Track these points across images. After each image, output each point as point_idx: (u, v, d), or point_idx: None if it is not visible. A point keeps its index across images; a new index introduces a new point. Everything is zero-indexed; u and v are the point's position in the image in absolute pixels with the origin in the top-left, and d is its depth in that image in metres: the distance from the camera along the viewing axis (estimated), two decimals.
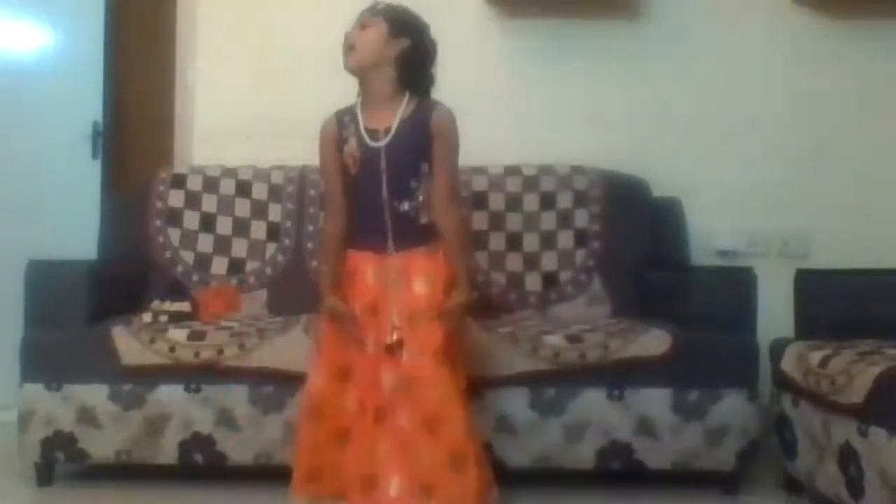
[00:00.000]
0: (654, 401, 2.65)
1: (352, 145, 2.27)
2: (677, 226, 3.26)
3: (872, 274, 2.83)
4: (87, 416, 2.68)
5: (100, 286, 2.86)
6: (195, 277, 3.16)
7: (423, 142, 2.26)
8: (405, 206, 2.26)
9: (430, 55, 2.33)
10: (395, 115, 2.25)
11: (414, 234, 2.26)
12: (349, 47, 2.26)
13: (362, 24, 2.27)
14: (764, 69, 3.47)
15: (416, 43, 2.28)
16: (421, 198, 2.27)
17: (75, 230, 3.39)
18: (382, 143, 2.24)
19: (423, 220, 2.28)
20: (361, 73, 2.27)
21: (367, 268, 2.27)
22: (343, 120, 2.31)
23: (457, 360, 2.26)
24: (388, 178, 2.25)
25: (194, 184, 3.27)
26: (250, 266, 3.19)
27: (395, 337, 2.18)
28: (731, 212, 3.43)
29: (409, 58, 2.27)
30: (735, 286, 2.76)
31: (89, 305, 2.78)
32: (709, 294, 2.76)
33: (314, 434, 2.27)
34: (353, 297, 2.28)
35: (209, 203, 3.25)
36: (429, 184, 2.28)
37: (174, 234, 3.21)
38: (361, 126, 2.27)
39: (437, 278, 2.24)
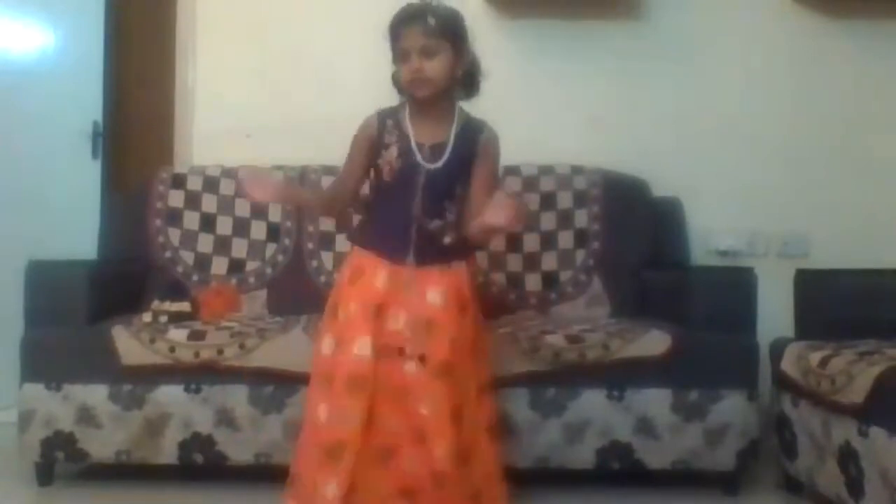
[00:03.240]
0: (654, 401, 2.65)
1: (392, 153, 2.21)
2: (677, 226, 3.26)
3: (872, 274, 2.83)
4: (87, 416, 2.68)
5: (100, 286, 2.86)
6: (195, 277, 3.16)
7: (467, 165, 2.22)
8: (434, 224, 2.22)
9: (479, 61, 2.29)
10: (448, 133, 2.22)
11: (436, 251, 2.22)
12: (421, 80, 2.17)
13: (426, 51, 2.16)
14: (764, 69, 3.47)
15: (473, 54, 2.26)
16: (450, 217, 2.23)
17: (75, 230, 3.39)
18: (430, 164, 2.20)
19: (448, 239, 2.23)
20: (430, 98, 2.21)
21: (378, 271, 2.21)
22: (386, 123, 2.24)
23: (476, 367, 2.23)
24: (424, 195, 2.20)
25: (194, 184, 3.27)
26: (250, 266, 3.19)
27: (408, 349, 2.13)
28: (731, 212, 3.43)
29: (471, 73, 2.25)
30: (735, 286, 2.75)
31: (89, 305, 2.78)
32: (709, 294, 2.76)
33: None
34: (352, 295, 2.21)
35: (209, 203, 3.25)
36: (463, 202, 2.23)
37: (174, 234, 3.21)
38: (412, 139, 2.21)
39: (450, 294, 2.19)
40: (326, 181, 3.12)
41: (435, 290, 2.18)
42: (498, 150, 2.29)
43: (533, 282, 3.17)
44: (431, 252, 2.21)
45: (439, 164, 2.20)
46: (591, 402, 2.65)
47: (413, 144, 2.21)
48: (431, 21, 2.17)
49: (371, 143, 2.25)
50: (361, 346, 2.13)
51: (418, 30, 2.16)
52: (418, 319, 2.15)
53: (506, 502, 2.26)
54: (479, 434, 2.21)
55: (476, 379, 2.24)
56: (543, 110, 3.47)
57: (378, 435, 2.11)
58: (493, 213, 2.06)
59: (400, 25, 2.19)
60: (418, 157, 2.20)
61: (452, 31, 2.21)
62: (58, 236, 3.42)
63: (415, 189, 2.20)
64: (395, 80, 2.25)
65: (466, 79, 2.25)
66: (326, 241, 3.20)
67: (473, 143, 2.23)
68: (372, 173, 2.30)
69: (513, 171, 3.29)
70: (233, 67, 3.52)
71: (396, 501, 2.11)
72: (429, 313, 2.16)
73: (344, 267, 2.32)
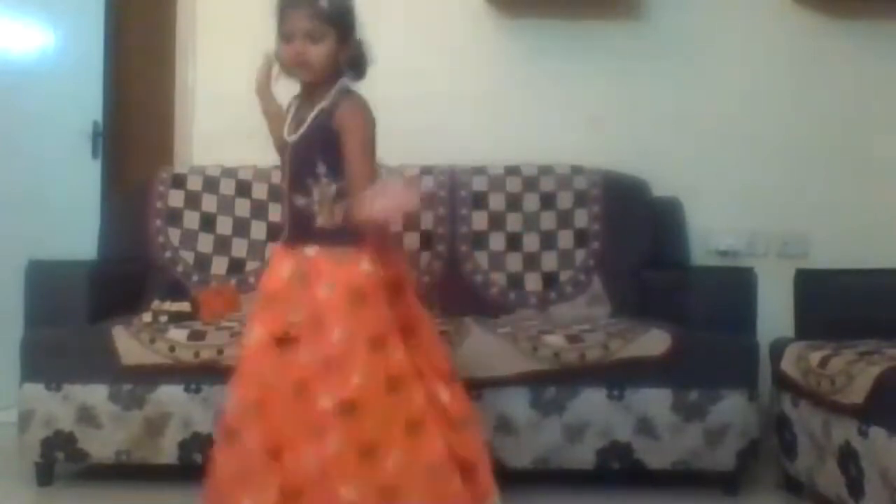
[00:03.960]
0: (654, 401, 2.65)
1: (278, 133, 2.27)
2: (677, 226, 3.26)
3: (872, 274, 2.83)
4: (87, 416, 2.68)
5: (100, 286, 2.87)
6: (195, 277, 3.16)
7: (325, 142, 2.16)
8: (300, 201, 2.19)
9: (365, 46, 2.23)
10: (316, 109, 2.19)
11: (311, 233, 2.17)
12: (302, 63, 2.15)
13: (311, 34, 2.13)
14: (764, 69, 3.47)
15: (360, 42, 2.21)
16: (317, 197, 2.17)
17: (75, 230, 3.39)
18: (291, 138, 2.20)
19: (321, 221, 2.18)
20: (314, 83, 2.20)
21: (282, 259, 2.21)
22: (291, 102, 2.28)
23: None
24: (290, 171, 2.21)
25: (194, 184, 3.27)
26: (250, 266, 3.19)
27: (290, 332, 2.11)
28: (731, 212, 3.43)
29: (357, 60, 2.21)
30: (735, 286, 2.76)
31: (89, 305, 2.79)
32: (709, 294, 2.76)
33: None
34: (262, 284, 2.25)
35: (209, 203, 3.25)
36: (340, 184, 2.17)
37: (174, 234, 3.21)
38: (289, 117, 2.23)
39: (339, 287, 2.12)
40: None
41: (325, 283, 2.13)
42: (358, 123, 2.16)
43: (533, 282, 3.17)
44: (305, 233, 2.18)
45: (295, 136, 2.19)
46: (591, 402, 2.65)
47: (288, 121, 2.22)
48: (321, 5, 2.14)
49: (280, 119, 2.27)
50: (253, 336, 2.17)
51: (305, 13, 2.14)
52: (309, 314, 2.11)
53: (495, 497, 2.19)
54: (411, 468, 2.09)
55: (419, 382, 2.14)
56: (543, 110, 3.47)
57: (270, 432, 2.09)
58: (365, 204, 2.03)
59: (287, 6, 2.16)
60: (285, 133, 2.21)
61: (340, 18, 2.18)
62: (58, 236, 3.42)
63: (285, 165, 2.23)
64: (277, 59, 2.23)
65: (351, 64, 2.20)
66: None
67: (330, 118, 2.16)
68: None
69: (513, 171, 3.30)
70: (233, 67, 3.50)
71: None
72: (317, 307, 2.11)
73: None
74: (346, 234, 2.16)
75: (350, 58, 2.19)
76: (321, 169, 2.18)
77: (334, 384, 2.05)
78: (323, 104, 2.17)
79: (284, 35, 2.16)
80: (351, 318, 2.10)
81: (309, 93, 2.22)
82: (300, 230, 2.20)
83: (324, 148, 2.17)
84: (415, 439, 2.08)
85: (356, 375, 2.06)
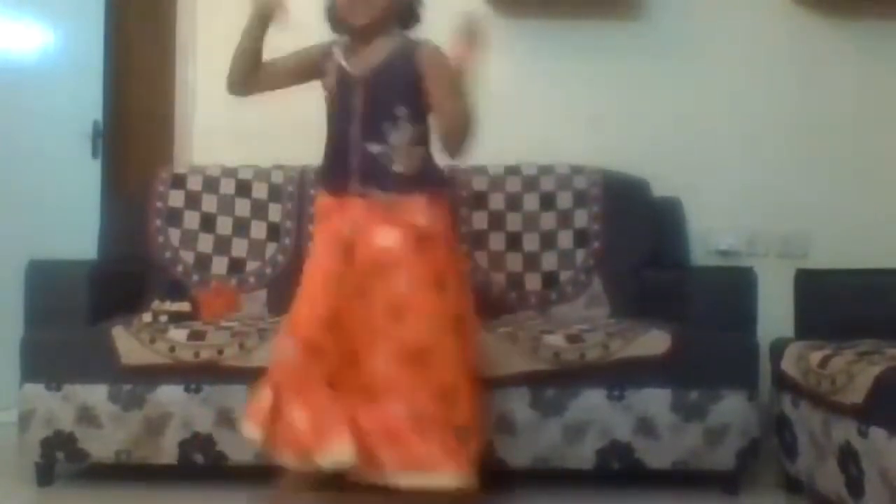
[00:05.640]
0: (654, 401, 2.65)
1: (331, 80, 2.20)
2: (677, 226, 3.26)
3: (872, 274, 2.83)
4: (87, 416, 2.68)
5: (100, 286, 2.87)
6: (195, 277, 3.16)
7: (407, 84, 2.14)
8: (375, 148, 2.14)
9: None
10: (381, 52, 2.15)
11: (384, 180, 2.14)
12: (362, 4, 2.12)
13: None
14: (764, 69, 3.47)
15: None
16: (395, 141, 2.14)
17: (75, 230, 3.39)
18: (360, 76, 2.14)
19: (398, 167, 2.15)
20: (369, 27, 2.16)
21: (338, 211, 2.19)
22: (331, 50, 2.22)
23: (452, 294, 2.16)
24: (363, 118, 2.15)
25: (194, 184, 3.27)
26: (250, 266, 3.19)
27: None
28: (731, 212, 3.43)
29: (411, 3, 2.19)
30: (735, 286, 2.76)
31: (89, 305, 2.79)
32: (709, 294, 2.76)
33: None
34: (317, 239, 2.23)
35: (209, 203, 3.25)
36: (412, 127, 2.15)
37: (174, 234, 3.21)
38: (345, 64, 2.18)
39: (406, 232, 2.11)
40: None
41: (387, 229, 2.12)
42: (445, 60, 2.15)
43: (533, 282, 3.17)
44: (378, 181, 2.14)
45: (367, 72, 2.14)
46: (591, 402, 2.65)
47: (346, 67, 2.18)
48: None
49: (312, 62, 2.23)
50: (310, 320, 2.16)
51: None
52: (372, 262, 2.11)
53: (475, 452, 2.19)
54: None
55: (451, 318, 2.17)
56: (543, 110, 3.47)
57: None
58: (452, 48, 2.05)
59: None
60: (351, 75, 2.16)
61: None
62: (58, 236, 3.41)
63: (353, 112, 2.15)
64: (330, 9, 2.19)
65: (405, 10, 2.18)
66: None
67: (410, 60, 2.14)
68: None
69: (513, 171, 3.29)
70: None
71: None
72: (379, 255, 2.11)
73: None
74: (425, 180, 2.14)
75: (405, 7, 2.17)
76: (401, 111, 2.13)
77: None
78: (390, 49, 2.12)
79: None
80: (416, 263, 2.10)
81: (363, 39, 2.15)
82: (374, 179, 2.14)
83: (405, 89, 2.12)
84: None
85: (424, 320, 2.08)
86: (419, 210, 2.14)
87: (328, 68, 2.21)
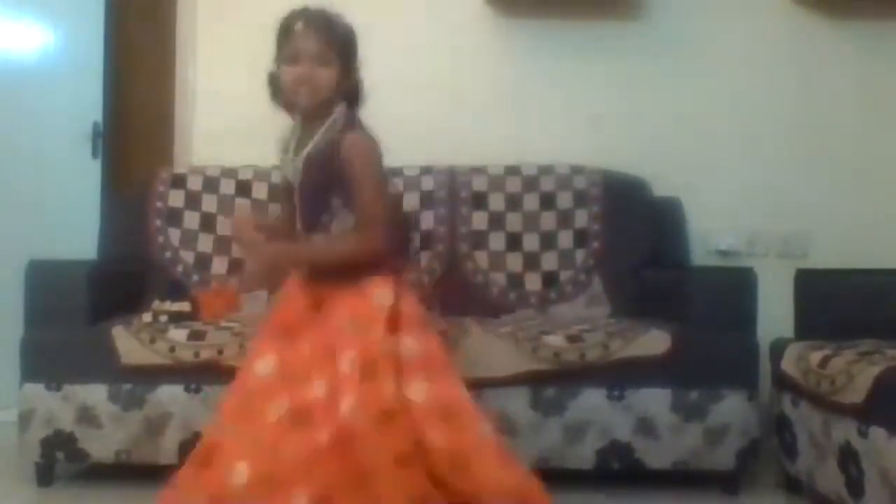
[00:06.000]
0: (654, 401, 2.65)
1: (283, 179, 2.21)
2: (677, 226, 3.26)
3: (872, 274, 2.83)
4: (87, 416, 2.68)
5: (100, 286, 2.87)
6: (195, 277, 3.16)
7: (335, 175, 2.09)
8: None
9: (362, 81, 2.18)
10: (313, 143, 2.11)
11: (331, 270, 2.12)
12: (309, 84, 2.07)
13: (321, 58, 2.06)
14: (764, 69, 3.47)
15: (359, 70, 2.16)
16: (336, 231, 2.13)
17: (75, 230, 3.39)
18: (294, 172, 2.13)
19: None
20: (312, 109, 2.13)
21: (297, 292, 2.15)
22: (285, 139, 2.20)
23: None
24: (301, 211, 2.15)
25: (194, 184, 3.27)
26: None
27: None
28: (731, 212, 3.43)
29: (355, 87, 2.15)
30: (735, 286, 2.76)
31: (89, 305, 2.79)
32: (709, 294, 2.76)
33: None
34: (270, 316, 2.19)
35: (209, 203, 3.25)
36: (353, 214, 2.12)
37: (174, 234, 3.21)
38: (289, 152, 2.15)
39: (357, 314, 2.05)
40: None
41: (340, 313, 2.06)
42: (361, 157, 2.08)
43: (533, 281, 3.17)
44: (323, 270, 2.12)
45: (303, 171, 2.12)
46: (591, 402, 2.65)
47: (289, 158, 2.15)
48: (334, 30, 2.09)
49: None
50: (264, 365, 2.09)
51: (316, 36, 2.07)
52: (325, 345, 2.04)
53: None
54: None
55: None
56: (543, 110, 3.47)
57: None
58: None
59: (296, 26, 2.08)
60: (289, 173, 2.15)
61: (347, 48, 2.13)
62: (58, 236, 3.42)
63: (294, 205, 2.17)
64: (273, 82, 2.15)
65: (351, 91, 2.15)
66: None
67: (336, 151, 2.09)
68: None
69: (513, 171, 3.29)
70: (233, 66, 3.51)
71: None
72: (332, 338, 2.04)
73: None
74: (371, 263, 2.09)
75: (351, 88, 2.14)
76: (336, 202, 2.12)
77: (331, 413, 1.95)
78: (321, 137, 2.10)
79: (289, 56, 2.08)
80: (364, 344, 2.00)
81: (307, 119, 2.15)
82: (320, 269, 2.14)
83: (336, 181, 2.10)
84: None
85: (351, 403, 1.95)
86: (367, 294, 2.08)
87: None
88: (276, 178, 3.27)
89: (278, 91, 2.14)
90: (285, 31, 2.10)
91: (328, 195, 2.12)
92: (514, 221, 3.22)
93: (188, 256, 3.19)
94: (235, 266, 3.19)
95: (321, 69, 2.07)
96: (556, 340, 2.65)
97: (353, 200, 2.09)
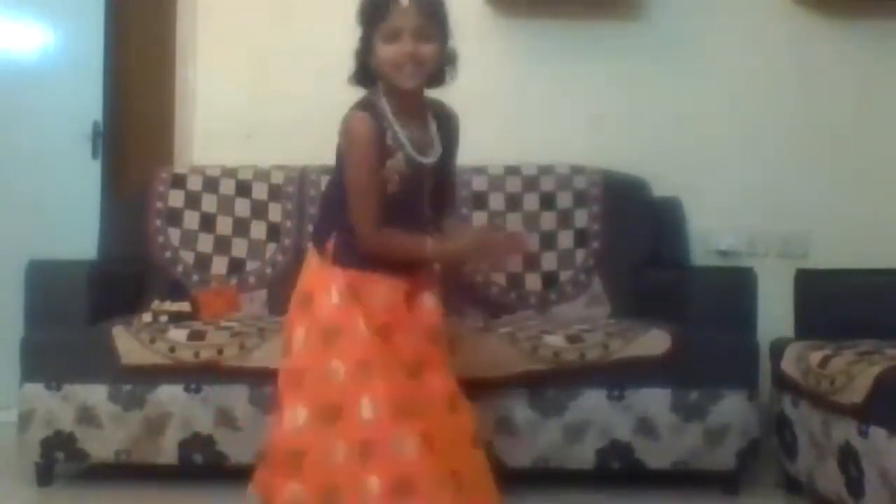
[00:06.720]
0: (654, 401, 2.65)
1: (399, 160, 1.97)
2: (677, 226, 3.26)
3: (872, 274, 2.83)
4: (87, 416, 2.68)
5: (100, 286, 2.87)
6: (195, 277, 3.16)
7: (450, 153, 2.08)
8: (443, 222, 2.14)
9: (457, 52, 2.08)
10: (426, 124, 2.03)
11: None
12: (415, 65, 1.94)
13: (423, 32, 1.94)
14: (764, 69, 3.47)
15: (452, 46, 2.05)
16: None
17: (75, 230, 3.39)
18: (430, 160, 2.01)
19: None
20: (414, 91, 2.00)
21: (377, 288, 2.01)
22: (382, 124, 1.97)
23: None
24: (431, 195, 2.06)
25: (194, 184, 3.27)
26: (250, 266, 3.19)
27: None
28: (731, 212, 3.43)
29: (451, 64, 2.05)
30: (735, 286, 2.76)
31: (89, 305, 2.79)
32: (709, 294, 2.76)
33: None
34: (355, 315, 1.99)
35: (209, 203, 3.25)
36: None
37: (174, 234, 3.21)
38: (407, 140, 1.98)
39: (438, 294, 2.12)
40: (325, 181, 3.11)
41: (430, 294, 2.09)
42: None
43: (533, 282, 3.16)
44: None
45: (434, 158, 2.03)
46: (591, 402, 2.65)
47: (410, 146, 2.00)
48: (433, 4, 1.96)
49: (381, 146, 1.97)
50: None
51: (414, 8, 1.92)
52: (425, 329, 2.05)
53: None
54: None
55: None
56: (543, 110, 3.47)
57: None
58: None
59: (398, 1, 1.92)
60: (419, 158, 2.01)
61: (443, 17, 1.99)
62: (58, 236, 3.42)
63: (423, 191, 2.04)
64: (365, 65, 2.00)
65: (441, 70, 2.03)
66: None
67: (451, 130, 2.06)
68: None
69: (513, 171, 3.29)
70: (233, 67, 3.52)
71: None
72: (430, 319, 2.08)
73: (314, 289, 2.10)
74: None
75: (450, 63, 2.03)
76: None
77: None
78: (433, 118, 2.05)
79: (389, 33, 1.93)
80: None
81: (405, 101, 2.00)
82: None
83: (450, 160, 2.09)
84: None
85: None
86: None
87: (393, 145, 1.99)
88: (275, 178, 3.29)
89: (367, 71, 2.00)
90: (380, 8, 1.95)
91: (449, 173, 2.14)
92: (514, 221, 3.22)
93: (188, 256, 3.19)
94: (235, 266, 3.19)
95: (424, 45, 1.94)
96: (555, 340, 2.65)
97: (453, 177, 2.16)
